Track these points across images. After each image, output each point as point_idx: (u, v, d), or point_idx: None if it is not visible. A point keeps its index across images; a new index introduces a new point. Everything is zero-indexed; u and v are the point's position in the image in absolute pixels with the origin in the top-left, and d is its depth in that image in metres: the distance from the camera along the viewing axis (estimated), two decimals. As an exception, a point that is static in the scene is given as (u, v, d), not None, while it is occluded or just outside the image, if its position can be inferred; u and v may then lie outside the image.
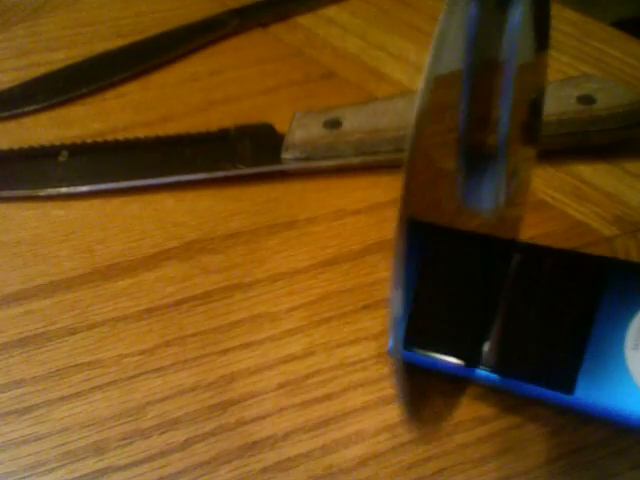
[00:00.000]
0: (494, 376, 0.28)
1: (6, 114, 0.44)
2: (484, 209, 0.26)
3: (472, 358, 0.29)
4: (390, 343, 0.28)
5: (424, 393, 0.25)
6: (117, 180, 0.39)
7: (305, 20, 0.49)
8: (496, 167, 0.25)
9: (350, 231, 0.36)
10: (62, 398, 0.30)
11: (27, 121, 0.43)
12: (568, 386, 0.27)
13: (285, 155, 0.38)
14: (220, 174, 0.38)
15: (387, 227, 0.36)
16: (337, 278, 0.34)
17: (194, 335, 0.32)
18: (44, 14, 0.51)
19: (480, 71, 0.23)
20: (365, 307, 0.33)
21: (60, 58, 0.47)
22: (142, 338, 0.32)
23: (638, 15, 0.72)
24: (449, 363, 0.28)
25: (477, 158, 0.25)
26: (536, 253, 0.30)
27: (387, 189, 0.37)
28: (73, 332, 0.33)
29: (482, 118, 0.24)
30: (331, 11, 0.49)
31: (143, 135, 0.41)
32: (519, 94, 0.26)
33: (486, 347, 0.29)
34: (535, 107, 0.29)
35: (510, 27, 0.23)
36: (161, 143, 0.40)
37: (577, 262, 0.30)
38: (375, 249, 0.35)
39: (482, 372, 0.29)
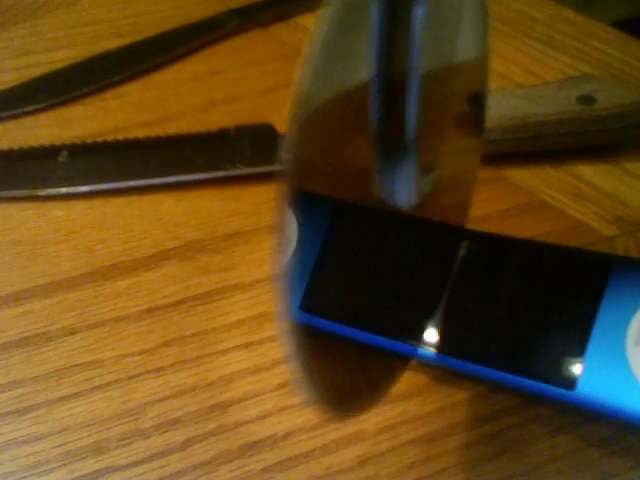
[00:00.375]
0: (497, 373, 0.28)
1: (6, 114, 0.44)
2: (400, 202, 0.26)
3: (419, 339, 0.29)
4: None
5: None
6: (117, 180, 0.39)
7: (305, 20, 0.49)
8: (406, 163, 0.25)
9: (350, 231, 0.36)
10: (62, 398, 0.30)
11: (27, 121, 0.43)
12: (569, 382, 0.27)
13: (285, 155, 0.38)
14: (220, 174, 0.38)
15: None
16: (337, 278, 0.34)
17: (194, 335, 0.32)
18: (44, 14, 0.51)
19: (388, 68, 0.23)
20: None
21: (60, 58, 0.47)
22: (142, 338, 0.32)
23: (638, 15, 0.72)
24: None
25: (389, 154, 0.25)
26: (538, 250, 0.30)
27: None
28: (73, 332, 0.33)
29: (394, 114, 0.24)
30: (331, 11, 0.49)
31: (143, 135, 0.41)
32: (439, 90, 0.26)
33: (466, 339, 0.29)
34: (476, 100, 0.29)
35: (414, 23, 0.23)
36: (161, 143, 0.40)
37: (579, 259, 0.30)
38: (375, 249, 0.35)
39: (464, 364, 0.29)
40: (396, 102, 0.24)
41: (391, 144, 0.25)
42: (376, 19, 0.22)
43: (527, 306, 0.29)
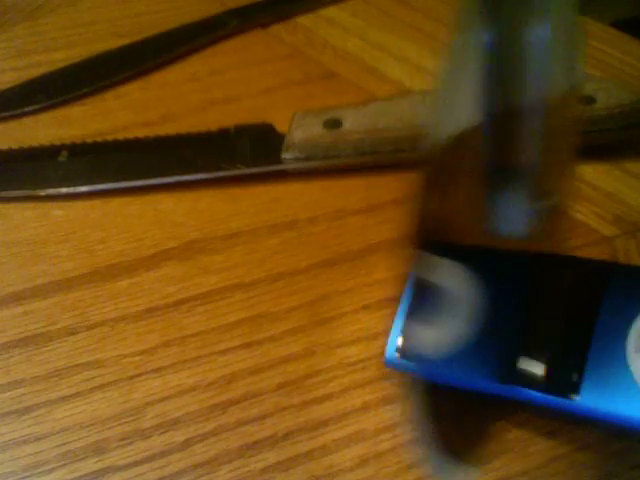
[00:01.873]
0: (494, 386, 0.28)
1: (6, 114, 0.44)
2: (514, 233, 0.26)
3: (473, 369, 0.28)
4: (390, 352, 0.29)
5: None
6: (117, 180, 0.39)
7: (305, 20, 0.49)
8: (522, 191, 0.25)
9: (350, 231, 0.36)
10: (62, 398, 0.30)
11: (27, 121, 0.43)
12: (571, 392, 0.27)
13: (285, 155, 0.38)
14: (220, 174, 0.38)
15: (387, 227, 0.36)
16: (337, 278, 0.34)
17: (194, 335, 0.32)
18: (44, 14, 0.51)
19: (503, 99, 0.22)
20: (365, 307, 0.33)
21: (60, 58, 0.47)
22: (142, 338, 0.32)
23: (638, 15, 0.72)
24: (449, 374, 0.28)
25: (502, 184, 0.25)
26: (535, 259, 0.30)
27: (387, 189, 0.37)
28: (73, 332, 0.33)
29: (506, 144, 0.24)
30: (331, 11, 0.49)
31: (143, 135, 0.41)
32: (555, 117, 0.25)
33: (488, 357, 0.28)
34: (573, 128, 0.29)
35: (535, 47, 0.22)
36: (161, 143, 0.40)
37: (577, 266, 0.30)
38: (375, 249, 0.35)
39: (482, 382, 0.28)
40: (511, 131, 0.23)
41: (504, 174, 0.24)
42: (487, 45, 0.21)
43: (525, 315, 0.29)
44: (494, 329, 0.28)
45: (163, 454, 0.29)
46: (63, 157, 0.40)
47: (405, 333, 0.29)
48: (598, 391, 0.26)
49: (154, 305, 0.33)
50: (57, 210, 0.38)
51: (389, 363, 0.29)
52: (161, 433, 0.29)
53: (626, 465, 0.28)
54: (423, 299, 0.28)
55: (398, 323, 0.29)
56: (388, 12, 0.49)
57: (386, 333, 0.32)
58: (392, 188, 0.37)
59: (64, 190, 0.38)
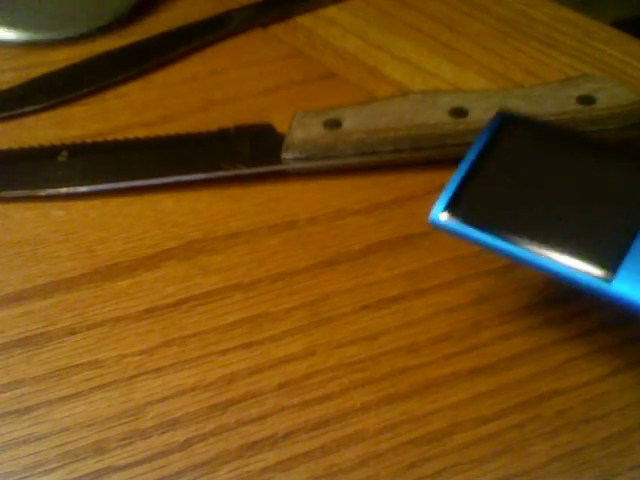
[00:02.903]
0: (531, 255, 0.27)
1: (6, 114, 0.43)
2: None
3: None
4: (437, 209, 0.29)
5: None
6: (117, 180, 0.39)
7: (305, 20, 0.49)
8: None
9: (350, 231, 0.36)
10: (62, 398, 0.30)
11: (27, 121, 0.43)
12: (606, 272, 0.25)
13: (285, 155, 0.38)
14: (220, 174, 0.38)
15: (387, 227, 0.36)
16: (337, 278, 0.34)
17: (194, 335, 0.32)
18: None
19: None
20: (365, 307, 0.33)
21: (60, 58, 0.47)
22: (142, 338, 0.32)
23: (638, 15, 0.72)
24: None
25: None
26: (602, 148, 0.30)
27: (387, 189, 0.37)
28: (73, 332, 0.33)
29: None
30: (331, 11, 0.49)
31: (143, 135, 0.41)
32: None
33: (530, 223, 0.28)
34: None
35: None
36: (161, 143, 0.40)
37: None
38: (375, 249, 0.35)
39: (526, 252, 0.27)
40: None
41: None
42: None
43: (576, 182, 0.28)
44: (552, 201, 0.28)
45: (163, 454, 0.29)
46: (63, 157, 0.40)
47: (461, 190, 0.29)
48: (637, 278, 0.25)
49: (154, 305, 0.33)
50: (57, 210, 0.38)
51: (437, 223, 0.29)
52: (161, 433, 0.29)
53: (626, 465, 0.28)
54: (488, 164, 0.28)
55: (455, 180, 0.29)
56: (388, 12, 0.49)
57: (386, 333, 0.32)
58: (392, 188, 0.38)
59: (64, 190, 0.38)
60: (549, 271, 0.27)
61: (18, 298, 0.34)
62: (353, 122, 0.38)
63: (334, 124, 0.38)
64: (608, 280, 0.25)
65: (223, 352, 0.31)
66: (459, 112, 0.37)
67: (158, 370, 0.31)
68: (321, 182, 0.38)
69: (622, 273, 0.25)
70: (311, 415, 0.29)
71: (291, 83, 0.44)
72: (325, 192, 0.38)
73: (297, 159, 0.38)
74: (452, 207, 0.28)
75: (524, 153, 0.29)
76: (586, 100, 0.37)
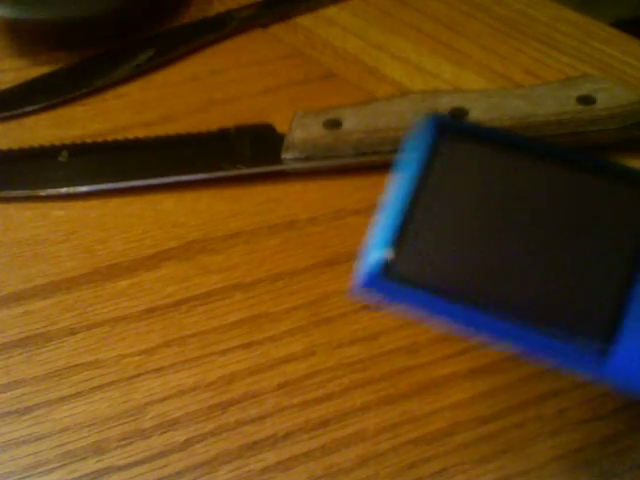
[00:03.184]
0: (498, 324, 0.21)
1: (6, 114, 0.44)
2: None
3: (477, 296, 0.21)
4: (361, 272, 0.22)
5: None
6: (117, 180, 0.39)
7: (305, 20, 0.49)
8: None
9: (350, 231, 0.36)
10: (62, 398, 0.30)
11: (27, 121, 0.43)
12: (601, 348, 0.20)
13: (285, 155, 0.38)
14: (220, 174, 0.38)
15: (387, 227, 0.36)
16: (337, 278, 0.34)
17: (194, 335, 0.32)
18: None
19: None
20: (365, 307, 0.33)
21: (60, 58, 0.47)
22: (142, 338, 0.32)
23: (638, 15, 0.72)
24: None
25: None
26: (576, 163, 0.23)
27: (387, 189, 0.37)
28: (73, 332, 0.33)
29: None
30: (331, 11, 0.49)
31: (143, 135, 0.41)
32: None
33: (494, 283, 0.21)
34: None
35: None
36: (161, 143, 0.40)
37: (625, 177, 0.22)
38: (375, 249, 0.35)
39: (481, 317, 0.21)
40: None
41: None
42: None
43: (550, 235, 0.22)
44: (515, 244, 0.22)
45: (163, 454, 0.29)
46: (63, 157, 0.40)
47: (397, 243, 0.22)
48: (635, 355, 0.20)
49: (154, 305, 0.33)
50: (57, 210, 0.38)
51: (366, 285, 0.22)
52: (161, 433, 0.29)
53: (626, 465, 0.28)
54: (427, 194, 0.22)
55: (384, 229, 0.22)
56: (388, 12, 0.49)
57: (386, 333, 0.32)
58: (392, 188, 0.37)
59: (64, 190, 0.38)
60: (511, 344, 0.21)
61: (18, 298, 0.34)
62: (353, 122, 0.38)
63: (334, 124, 0.38)
64: (602, 356, 0.20)
65: (223, 352, 0.31)
66: (459, 112, 0.37)
67: (158, 370, 0.31)
68: (321, 182, 0.38)
69: (621, 345, 0.20)
70: (311, 415, 0.29)
71: (291, 83, 0.44)
72: (325, 192, 0.38)
73: (297, 159, 0.38)
74: (389, 264, 0.22)
75: (473, 176, 0.22)
76: (586, 100, 0.37)
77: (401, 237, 0.22)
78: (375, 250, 0.22)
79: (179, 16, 0.49)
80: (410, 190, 0.23)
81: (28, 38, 0.49)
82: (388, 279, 0.21)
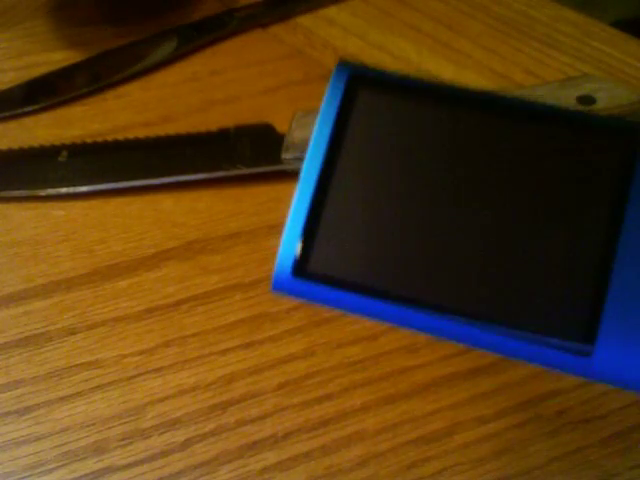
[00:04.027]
0: (463, 327, 0.18)
1: (6, 114, 0.43)
2: None
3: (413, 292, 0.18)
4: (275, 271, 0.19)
5: None
6: (117, 180, 0.39)
7: (305, 20, 0.49)
8: None
9: (350, 231, 0.36)
10: (62, 398, 0.30)
11: (27, 121, 0.43)
12: (583, 344, 0.17)
13: (285, 155, 0.38)
14: (220, 174, 0.38)
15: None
16: (337, 278, 0.34)
17: (194, 335, 0.32)
18: (44, 14, 0.51)
19: None
20: (365, 307, 0.33)
21: (60, 58, 0.47)
22: (142, 338, 0.32)
23: (638, 15, 0.72)
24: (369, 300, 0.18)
25: None
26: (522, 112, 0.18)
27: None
28: (73, 332, 0.32)
29: None
30: (331, 11, 0.49)
31: (143, 135, 0.41)
32: None
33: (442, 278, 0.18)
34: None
35: None
36: (161, 143, 0.40)
37: (589, 127, 0.18)
38: (375, 249, 0.35)
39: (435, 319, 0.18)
40: None
41: None
42: None
43: (508, 220, 0.18)
44: (449, 232, 0.18)
45: (163, 454, 0.29)
46: (63, 157, 0.40)
47: (309, 237, 0.19)
48: (621, 343, 0.17)
49: (154, 305, 0.33)
50: (57, 210, 0.38)
51: (279, 286, 0.19)
52: (161, 433, 0.29)
53: (626, 465, 0.28)
54: (341, 171, 0.19)
55: (294, 221, 0.19)
56: (388, 12, 0.49)
57: (386, 333, 0.32)
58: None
59: (64, 190, 0.38)
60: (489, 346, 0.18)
61: (18, 298, 0.34)
62: (353, 122, 0.38)
63: (334, 124, 0.38)
64: (585, 353, 0.17)
65: (223, 352, 0.31)
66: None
67: (158, 370, 0.31)
68: (321, 182, 0.38)
69: (602, 341, 0.17)
70: (311, 415, 0.29)
71: (291, 83, 0.44)
72: (325, 192, 0.38)
73: (297, 159, 0.38)
74: (305, 258, 0.19)
75: (395, 139, 0.19)
76: (586, 100, 0.37)
77: (312, 229, 0.19)
78: (284, 247, 0.19)
79: (179, 16, 0.49)
80: (321, 166, 0.19)
81: (27, 38, 0.49)
82: (301, 279, 0.19)
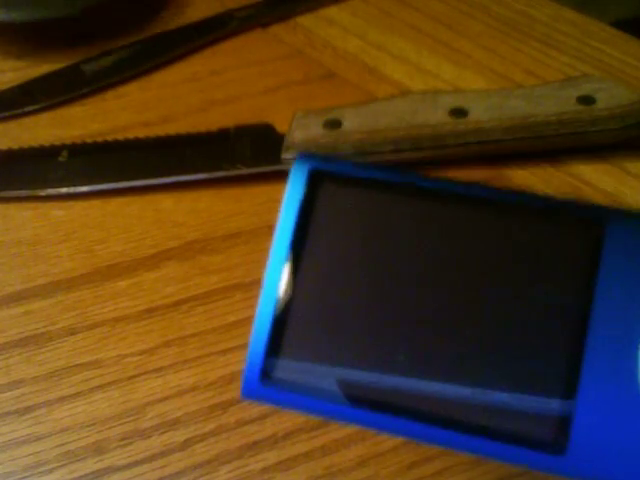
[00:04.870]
0: (424, 429, 0.18)
1: (6, 114, 0.44)
2: None
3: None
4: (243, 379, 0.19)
5: None
6: (117, 180, 0.39)
7: (305, 20, 0.49)
8: None
9: (350, 231, 0.36)
10: (62, 398, 0.30)
11: (27, 121, 0.43)
12: (557, 439, 0.17)
13: (285, 155, 0.38)
14: (220, 174, 0.38)
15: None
16: (337, 278, 0.34)
17: (194, 335, 0.32)
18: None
19: None
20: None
21: (60, 58, 0.47)
22: (142, 338, 0.32)
23: (638, 15, 0.72)
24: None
25: None
26: (501, 207, 0.18)
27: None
28: (73, 332, 0.33)
29: None
30: (331, 11, 0.49)
31: (143, 135, 0.41)
32: None
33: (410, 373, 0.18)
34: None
35: None
36: (161, 143, 0.40)
37: (557, 216, 0.18)
38: (375, 249, 0.35)
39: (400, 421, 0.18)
40: None
41: None
42: None
43: (477, 300, 0.18)
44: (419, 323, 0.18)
45: (163, 454, 0.29)
46: (63, 157, 0.40)
47: (276, 343, 0.19)
48: (597, 440, 0.16)
49: (154, 305, 0.33)
50: (57, 210, 0.38)
51: (248, 393, 0.19)
52: (161, 433, 0.29)
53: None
54: (307, 269, 0.19)
55: (260, 326, 0.19)
56: (388, 12, 0.49)
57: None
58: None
59: (64, 190, 0.38)
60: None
61: (18, 298, 0.34)
62: (353, 122, 0.38)
63: (334, 124, 0.38)
64: (558, 451, 0.16)
65: (223, 352, 0.31)
66: (459, 112, 0.37)
67: (158, 370, 0.31)
68: (321, 182, 0.38)
69: (575, 440, 0.16)
70: (311, 415, 0.29)
71: (291, 83, 0.44)
72: (325, 192, 0.38)
73: (297, 159, 0.38)
74: (274, 361, 0.18)
75: (359, 231, 0.18)
76: (586, 100, 0.37)
77: (278, 334, 0.19)
78: (251, 356, 0.19)
79: (179, 16, 0.49)
80: (286, 264, 0.20)
81: (27, 38, 0.49)
82: (270, 386, 0.19)
